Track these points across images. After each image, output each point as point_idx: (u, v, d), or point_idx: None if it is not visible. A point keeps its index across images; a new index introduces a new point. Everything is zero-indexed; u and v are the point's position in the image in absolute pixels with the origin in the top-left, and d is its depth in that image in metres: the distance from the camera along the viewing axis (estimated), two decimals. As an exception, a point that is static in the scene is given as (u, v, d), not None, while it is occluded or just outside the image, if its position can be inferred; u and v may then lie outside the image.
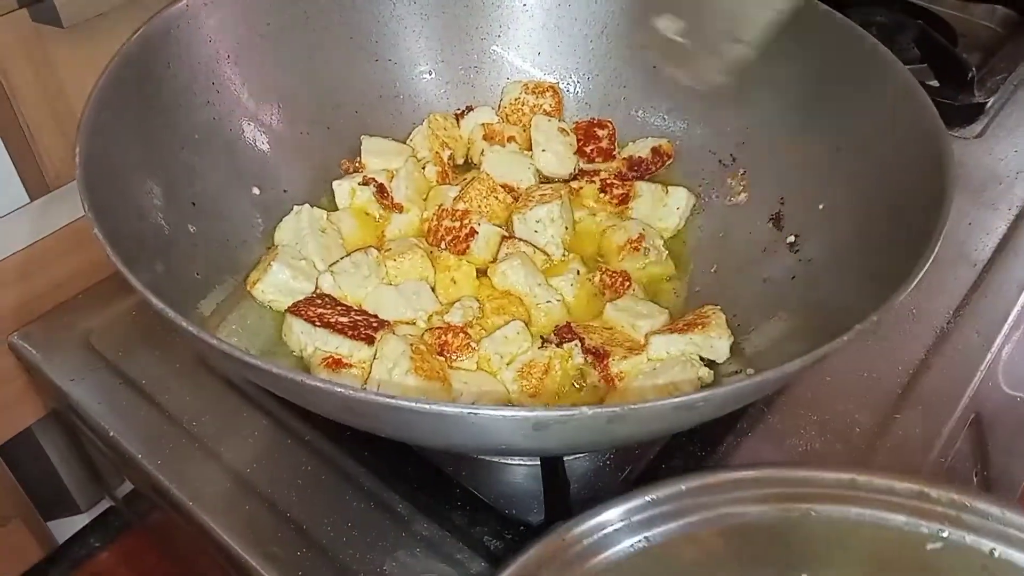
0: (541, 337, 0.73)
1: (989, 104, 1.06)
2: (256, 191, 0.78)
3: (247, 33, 0.79)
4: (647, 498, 0.52)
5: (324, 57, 0.85)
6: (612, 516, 0.51)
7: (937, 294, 0.86)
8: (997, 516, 0.52)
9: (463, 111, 0.90)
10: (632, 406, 0.43)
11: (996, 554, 0.52)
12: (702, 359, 0.70)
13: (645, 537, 0.52)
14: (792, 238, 0.76)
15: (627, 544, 0.51)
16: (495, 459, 0.71)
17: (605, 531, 0.51)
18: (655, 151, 0.87)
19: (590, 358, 0.70)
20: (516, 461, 0.71)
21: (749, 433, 0.74)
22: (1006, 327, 0.84)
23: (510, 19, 0.91)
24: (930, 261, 0.54)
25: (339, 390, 0.43)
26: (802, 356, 0.48)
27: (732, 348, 0.71)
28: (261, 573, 0.64)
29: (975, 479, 0.76)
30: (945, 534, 0.52)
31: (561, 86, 0.92)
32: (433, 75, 0.91)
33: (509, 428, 0.45)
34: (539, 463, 0.67)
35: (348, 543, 0.66)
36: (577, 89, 0.91)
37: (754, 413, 0.75)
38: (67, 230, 0.86)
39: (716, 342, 0.69)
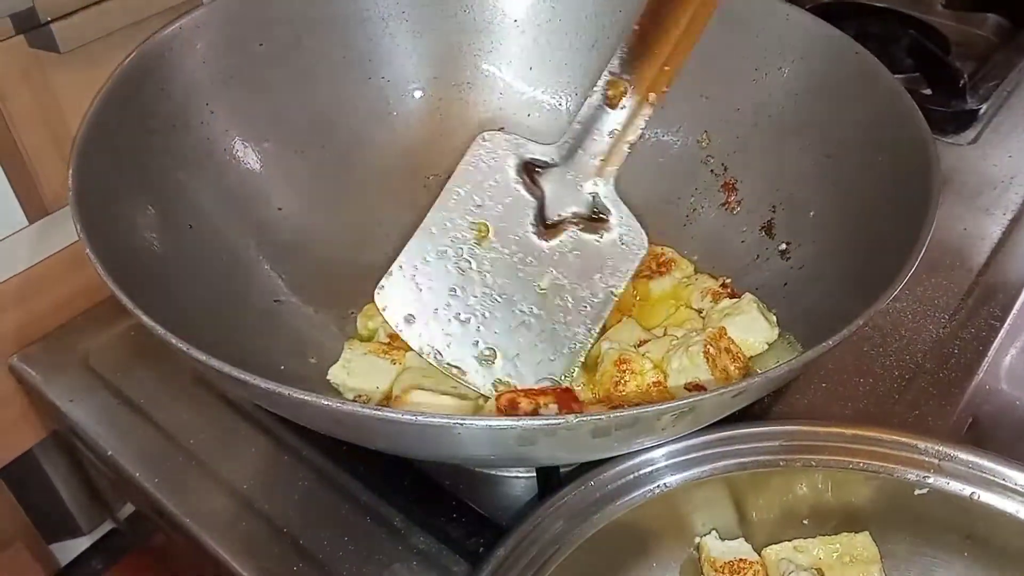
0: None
1: (982, 110, 1.06)
2: (251, 211, 0.78)
3: (241, 54, 0.80)
4: (660, 452, 0.58)
5: (318, 77, 0.85)
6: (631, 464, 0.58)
7: (933, 299, 0.86)
8: (976, 463, 0.57)
9: None
10: (616, 414, 0.43)
11: (977, 498, 0.57)
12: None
13: (662, 484, 0.58)
14: (784, 245, 0.77)
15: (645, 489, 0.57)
16: (491, 471, 0.71)
17: (625, 479, 0.57)
18: None
19: None
20: (512, 473, 0.71)
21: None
22: (1003, 332, 0.84)
23: (502, 35, 0.91)
24: (912, 270, 0.54)
25: (325, 403, 0.44)
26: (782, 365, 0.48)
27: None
28: (256, 589, 0.64)
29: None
30: (930, 480, 0.58)
31: (553, 101, 0.92)
32: (427, 92, 0.91)
33: (493, 439, 0.45)
34: (535, 474, 0.67)
35: (344, 557, 0.66)
36: (569, 104, 0.92)
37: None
38: (65, 252, 0.87)
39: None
